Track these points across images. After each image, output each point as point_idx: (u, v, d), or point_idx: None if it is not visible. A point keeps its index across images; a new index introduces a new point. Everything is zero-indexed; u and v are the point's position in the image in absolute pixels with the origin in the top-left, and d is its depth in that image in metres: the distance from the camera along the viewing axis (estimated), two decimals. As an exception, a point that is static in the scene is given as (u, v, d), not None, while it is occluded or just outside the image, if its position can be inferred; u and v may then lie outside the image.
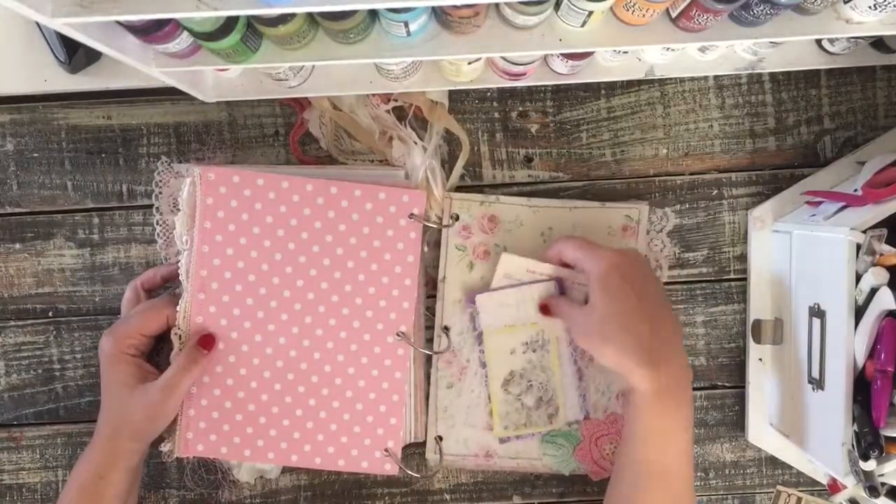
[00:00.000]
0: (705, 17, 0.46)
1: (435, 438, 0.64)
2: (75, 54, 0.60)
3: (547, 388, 0.63)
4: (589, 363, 0.63)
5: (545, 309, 0.62)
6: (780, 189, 0.64)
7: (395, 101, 0.63)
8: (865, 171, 0.56)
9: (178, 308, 0.60)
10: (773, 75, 0.64)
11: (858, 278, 0.51)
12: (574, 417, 0.63)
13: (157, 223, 0.63)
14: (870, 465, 0.50)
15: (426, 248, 0.64)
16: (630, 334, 0.52)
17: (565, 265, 0.61)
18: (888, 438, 0.50)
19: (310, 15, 0.46)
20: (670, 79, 0.64)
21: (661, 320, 0.53)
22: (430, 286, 0.65)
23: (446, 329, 0.63)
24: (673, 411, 0.52)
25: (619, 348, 0.52)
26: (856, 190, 0.55)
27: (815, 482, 0.65)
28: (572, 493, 0.66)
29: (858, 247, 0.51)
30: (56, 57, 0.60)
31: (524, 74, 0.58)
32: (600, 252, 0.55)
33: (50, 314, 0.65)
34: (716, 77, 0.65)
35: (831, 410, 0.52)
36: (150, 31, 0.44)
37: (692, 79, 0.65)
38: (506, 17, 0.47)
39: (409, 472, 0.63)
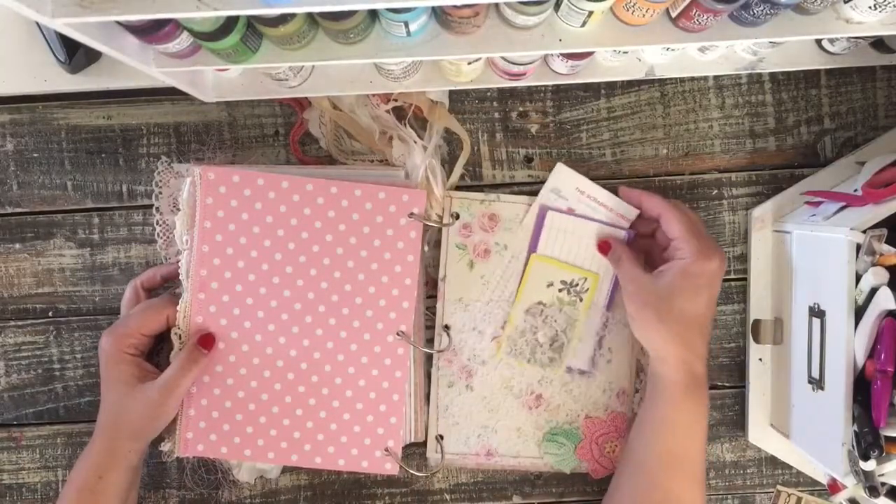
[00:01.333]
0: (705, 17, 0.46)
1: (436, 437, 0.64)
2: (75, 54, 0.60)
3: (562, 334, 0.63)
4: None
5: (605, 247, 0.61)
6: (780, 189, 0.64)
7: (395, 101, 0.63)
8: (865, 171, 0.56)
9: (178, 308, 0.60)
10: (773, 75, 0.64)
11: (858, 278, 0.51)
12: (575, 365, 0.63)
13: (157, 223, 0.63)
14: (870, 465, 0.50)
15: (426, 248, 0.64)
16: (685, 330, 0.55)
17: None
18: (888, 438, 0.50)
19: (310, 15, 0.46)
20: (670, 79, 0.64)
21: (705, 326, 0.56)
22: (431, 286, 0.65)
23: (447, 328, 0.63)
24: (698, 405, 0.55)
25: (670, 337, 0.55)
26: (856, 190, 0.55)
27: (815, 482, 0.65)
28: (572, 493, 0.66)
29: (858, 247, 0.51)
30: (56, 57, 0.60)
31: (524, 74, 0.58)
32: (703, 244, 0.55)
33: (50, 314, 0.65)
34: (716, 77, 0.65)
35: (831, 410, 0.52)
36: (150, 31, 0.44)
37: (692, 79, 0.65)
38: (506, 17, 0.47)
39: (410, 471, 0.64)
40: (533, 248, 0.63)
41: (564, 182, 0.63)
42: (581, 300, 0.63)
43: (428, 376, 0.64)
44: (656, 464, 0.56)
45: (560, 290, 0.63)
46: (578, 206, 0.63)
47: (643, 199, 0.60)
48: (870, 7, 0.46)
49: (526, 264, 0.63)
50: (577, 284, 0.63)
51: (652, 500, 0.56)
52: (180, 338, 0.60)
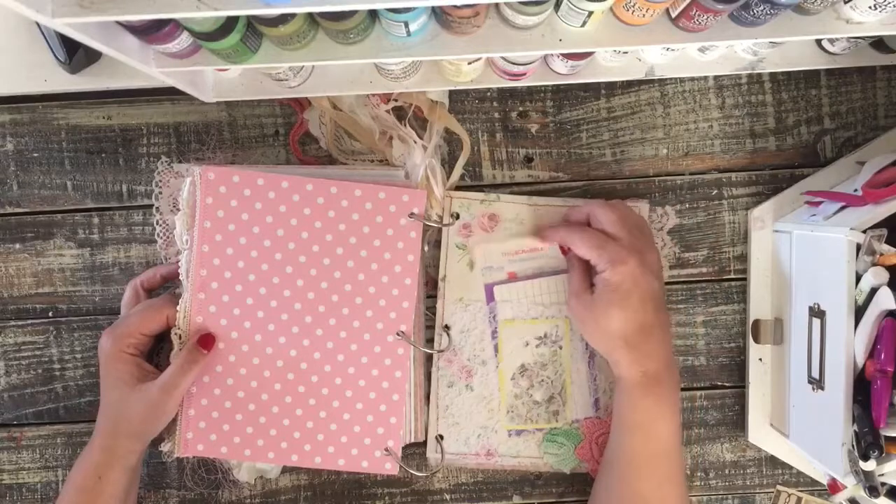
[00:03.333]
0: (705, 17, 0.46)
1: (436, 437, 0.64)
2: (75, 54, 0.60)
3: (555, 385, 0.63)
4: (590, 362, 0.63)
5: (564, 251, 0.63)
6: (780, 189, 0.64)
7: (395, 100, 0.63)
8: (865, 171, 0.56)
9: (177, 308, 0.60)
10: (773, 75, 0.64)
11: (858, 278, 0.51)
12: (583, 415, 0.63)
13: (157, 223, 0.63)
14: (870, 465, 0.50)
15: (426, 248, 0.64)
16: (629, 335, 0.55)
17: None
18: (888, 438, 0.50)
19: (310, 15, 0.46)
20: (670, 79, 0.64)
21: (655, 322, 0.56)
22: (431, 285, 0.65)
23: (447, 328, 0.63)
24: (659, 403, 0.56)
25: (612, 342, 0.56)
26: (856, 190, 0.55)
27: (815, 482, 0.65)
28: (572, 493, 0.66)
29: (858, 247, 0.51)
30: (56, 57, 0.60)
31: (524, 74, 0.58)
32: (619, 256, 0.55)
33: (50, 314, 0.65)
34: (716, 77, 0.65)
35: (831, 410, 0.52)
36: (150, 32, 0.44)
37: (692, 79, 0.65)
38: (506, 17, 0.47)
39: (410, 471, 0.64)
40: (493, 320, 0.63)
41: (488, 257, 0.63)
42: (561, 348, 0.63)
43: (428, 376, 0.64)
44: (623, 464, 0.57)
45: (538, 346, 0.63)
46: (515, 267, 0.63)
47: (552, 236, 0.61)
48: (870, 7, 0.46)
49: (494, 338, 0.63)
50: (551, 334, 0.63)
51: (621, 499, 0.56)
52: (180, 338, 0.60)
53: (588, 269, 0.59)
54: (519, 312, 0.63)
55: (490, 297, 0.63)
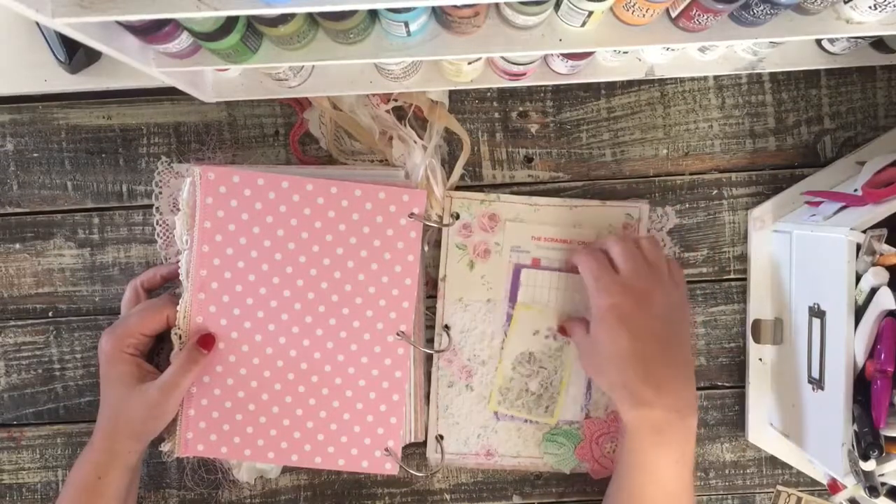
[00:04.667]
0: (705, 17, 0.46)
1: (436, 437, 0.64)
2: (75, 54, 0.60)
3: (553, 381, 0.63)
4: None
5: (563, 330, 0.63)
6: (780, 189, 0.64)
7: (395, 100, 0.63)
8: (865, 171, 0.56)
9: (177, 308, 0.60)
10: (773, 75, 0.64)
11: (858, 278, 0.51)
12: (572, 418, 0.63)
13: (157, 223, 0.63)
14: (870, 465, 0.50)
15: (426, 248, 0.64)
16: (620, 374, 0.53)
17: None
18: (888, 438, 0.50)
19: (310, 15, 0.46)
20: (670, 79, 0.64)
21: (660, 365, 0.53)
22: (431, 286, 0.65)
23: (447, 328, 0.63)
24: (665, 449, 0.53)
25: (610, 384, 0.55)
26: (856, 190, 0.55)
27: (815, 482, 0.65)
28: (572, 493, 0.66)
29: (858, 247, 0.51)
30: (56, 57, 0.60)
31: (524, 74, 0.58)
32: (608, 289, 0.54)
33: (50, 314, 0.65)
34: (716, 77, 0.65)
35: (831, 410, 0.52)
36: (150, 32, 0.44)
37: (692, 79, 0.65)
38: (506, 17, 0.47)
39: (410, 471, 0.64)
40: (512, 299, 0.63)
41: (518, 236, 0.63)
42: (568, 344, 0.63)
43: (428, 376, 0.64)
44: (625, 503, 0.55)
45: (546, 337, 0.63)
46: (540, 253, 0.63)
47: (570, 259, 0.62)
48: (870, 7, 0.46)
49: (510, 318, 0.63)
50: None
51: None
52: (180, 338, 0.60)
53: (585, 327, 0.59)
54: (538, 300, 0.63)
55: (516, 277, 0.63)
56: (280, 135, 0.65)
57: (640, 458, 0.53)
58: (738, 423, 0.66)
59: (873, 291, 0.50)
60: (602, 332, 0.54)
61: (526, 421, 0.64)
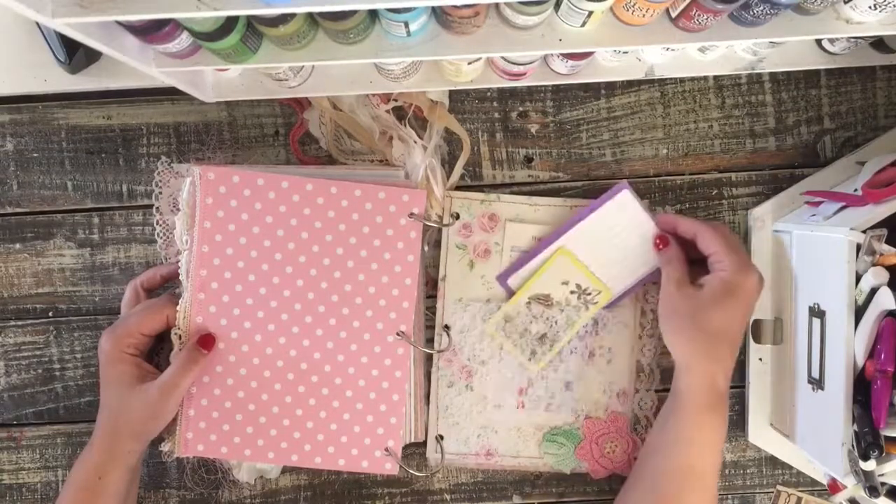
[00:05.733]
0: (705, 17, 0.46)
1: (436, 437, 0.64)
2: (75, 54, 0.60)
3: (555, 334, 0.63)
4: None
5: (662, 242, 0.60)
6: (780, 189, 0.64)
7: (395, 100, 0.63)
8: (865, 171, 0.56)
9: (177, 308, 0.60)
10: (773, 75, 0.64)
11: (858, 278, 0.51)
12: (554, 376, 0.63)
13: (157, 223, 0.63)
14: (870, 465, 0.50)
15: (426, 248, 0.64)
16: (715, 343, 0.55)
17: (666, 241, 0.60)
18: (888, 438, 0.50)
19: (310, 15, 0.46)
20: (670, 79, 0.64)
21: (735, 343, 0.56)
22: (431, 286, 0.65)
23: (447, 328, 0.63)
24: (719, 421, 0.55)
25: (698, 347, 0.55)
26: (856, 190, 0.55)
27: (815, 482, 0.65)
28: (572, 493, 0.66)
29: (858, 247, 0.51)
30: (56, 57, 0.60)
31: (524, 74, 0.58)
32: (742, 258, 0.56)
33: (50, 314, 0.65)
34: (716, 77, 0.65)
35: (831, 410, 0.52)
36: (150, 32, 0.44)
37: (692, 79, 0.65)
38: (506, 17, 0.47)
39: (410, 471, 0.64)
40: (577, 220, 0.61)
41: (517, 237, 0.63)
42: (587, 309, 0.63)
43: (428, 376, 0.64)
44: (673, 479, 0.55)
45: (572, 292, 0.63)
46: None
47: (678, 223, 0.60)
48: (870, 7, 0.46)
49: (550, 256, 0.62)
50: (590, 293, 0.63)
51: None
52: (180, 338, 0.60)
53: (688, 267, 0.58)
54: (582, 253, 0.62)
55: (616, 191, 0.61)
56: (280, 135, 0.65)
57: (696, 432, 0.55)
58: (738, 423, 0.66)
59: (873, 291, 0.50)
60: (723, 301, 0.55)
61: (514, 344, 0.63)
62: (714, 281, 0.55)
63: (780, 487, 0.66)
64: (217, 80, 0.59)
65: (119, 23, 0.44)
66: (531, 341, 0.63)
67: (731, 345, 0.56)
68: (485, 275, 0.63)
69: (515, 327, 0.63)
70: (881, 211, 0.51)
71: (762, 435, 0.64)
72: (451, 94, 0.64)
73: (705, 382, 0.55)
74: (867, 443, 0.49)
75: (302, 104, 0.64)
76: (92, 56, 0.61)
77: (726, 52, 0.59)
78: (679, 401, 0.56)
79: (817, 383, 0.55)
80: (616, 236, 0.62)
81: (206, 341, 0.59)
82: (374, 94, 0.62)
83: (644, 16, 0.46)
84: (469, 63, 0.55)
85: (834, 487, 0.60)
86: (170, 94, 0.64)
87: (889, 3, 0.45)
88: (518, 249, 0.63)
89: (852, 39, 0.57)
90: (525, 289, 0.63)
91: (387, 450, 0.62)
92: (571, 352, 0.63)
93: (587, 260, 0.62)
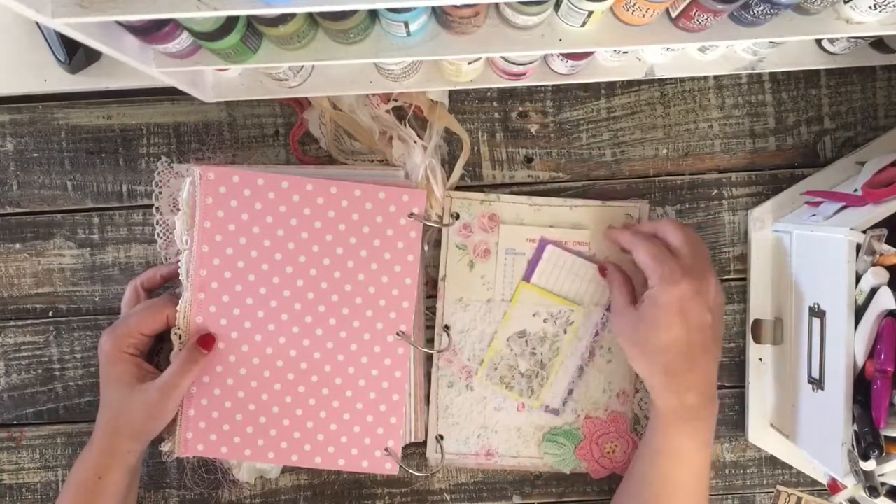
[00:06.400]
0: (705, 17, 0.46)
1: (436, 437, 0.64)
2: (75, 54, 0.60)
3: (543, 364, 0.63)
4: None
5: (602, 270, 0.62)
6: (780, 189, 0.64)
7: (395, 100, 0.63)
8: (865, 171, 0.56)
9: (177, 308, 0.60)
10: (773, 75, 0.64)
11: (858, 278, 0.51)
12: (551, 404, 0.63)
13: (157, 223, 0.63)
14: (870, 465, 0.50)
15: (426, 248, 0.64)
16: (665, 360, 0.54)
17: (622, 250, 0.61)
18: (888, 438, 0.50)
19: (310, 15, 0.46)
20: (670, 79, 0.64)
21: (701, 353, 0.54)
22: (431, 286, 0.65)
23: (447, 328, 0.63)
24: (693, 433, 0.54)
25: (650, 367, 0.55)
26: (856, 190, 0.55)
27: (815, 482, 0.65)
28: (572, 493, 0.66)
29: (858, 247, 0.51)
30: (56, 57, 0.60)
31: (524, 74, 0.58)
32: (673, 276, 0.53)
33: (50, 314, 0.65)
34: (716, 77, 0.65)
35: (831, 410, 0.52)
36: (150, 32, 0.44)
37: (692, 79, 0.65)
38: (506, 17, 0.47)
39: (410, 471, 0.64)
40: (528, 276, 0.63)
41: (512, 239, 0.63)
42: (565, 332, 0.63)
43: (428, 376, 0.64)
44: (652, 487, 0.56)
45: (545, 321, 0.63)
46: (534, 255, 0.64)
47: (617, 237, 0.60)
48: (870, 7, 0.46)
49: (514, 294, 0.63)
50: (562, 316, 0.63)
51: None
52: (180, 338, 0.60)
53: (631, 288, 0.58)
54: (551, 281, 0.63)
55: (540, 251, 0.63)
56: (280, 135, 0.65)
57: (672, 443, 0.55)
58: (738, 423, 0.66)
59: (873, 291, 0.50)
60: (659, 316, 0.53)
61: (507, 387, 0.63)
62: (647, 299, 0.54)
63: (780, 487, 0.66)
64: (217, 80, 0.59)
65: (119, 23, 0.44)
66: (523, 379, 0.63)
67: (686, 358, 0.53)
68: (485, 275, 0.64)
69: (504, 372, 0.63)
70: (881, 211, 0.51)
71: (762, 435, 0.64)
72: (451, 94, 0.64)
73: (672, 402, 0.54)
74: (867, 443, 0.49)
75: (302, 104, 0.64)
76: (92, 56, 0.61)
77: (726, 52, 0.59)
78: (654, 416, 0.56)
79: (817, 383, 0.55)
80: (568, 272, 0.63)
81: (206, 341, 0.59)
82: (374, 94, 0.62)
83: (644, 16, 0.46)
84: (469, 63, 0.55)
85: (834, 487, 0.60)
86: (170, 94, 0.64)
87: (889, 3, 0.45)
88: (512, 252, 0.63)
89: (852, 39, 0.57)
90: (501, 332, 0.63)
91: (387, 450, 0.62)
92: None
93: (551, 286, 0.63)
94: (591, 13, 0.45)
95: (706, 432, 0.55)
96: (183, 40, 0.47)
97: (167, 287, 0.63)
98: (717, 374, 0.55)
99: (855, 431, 0.50)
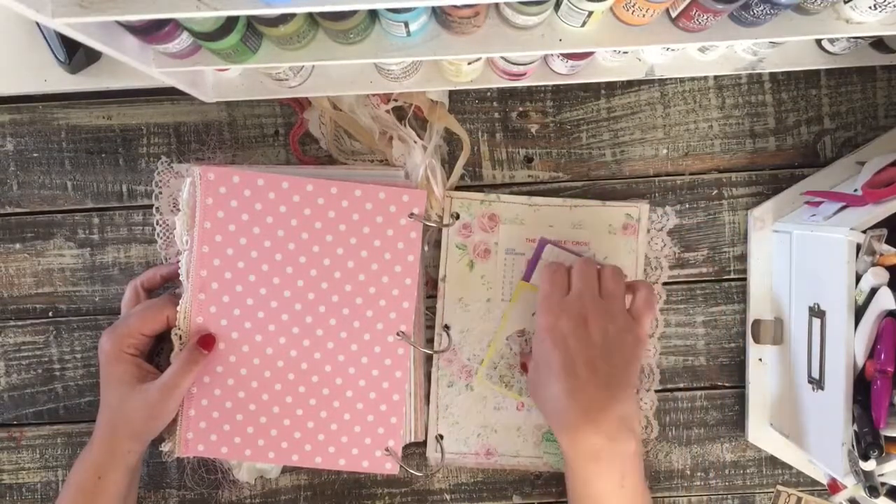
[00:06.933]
0: (705, 17, 0.46)
1: (436, 437, 0.64)
2: (75, 54, 0.60)
3: None
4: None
5: (524, 367, 0.62)
6: (780, 189, 0.64)
7: (395, 100, 0.63)
8: (865, 172, 0.56)
9: (178, 308, 0.60)
10: (773, 75, 0.64)
11: (858, 278, 0.51)
12: None
13: (157, 223, 0.63)
14: (870, 465, 0.50)
15: (426, 248, 0.64)
16: (552, 398, 0.53)
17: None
18: (888, 438, 0.50)
19: (310, 15, 0.46)
20: (670, 79, 0.64)
21: (592, 385, 0.52)
22: (431, 286, 0.65)
23: (447, 328, 0.63)
24: (606, 474, 0.52)
25: (545, 409, 0.55)
26: (856, 190, 0.55)
27: (815, 482, 0.65)
28: (572, 493, 0.66)
29: (858, 247, 0.51)
30: (56, 57, 0.60)
31: (524, 74, 0.58)
32: (547, 307, 0.55)
33: (50, 314, 0.65)
34: (716, 77, 0.65)
35: (831, 410, 0.52)
36: (150, 32, 0.44)
37: (692, 79, 0.65)
38: (506, 17, 0.47)
39: (410, 471, 0.64)
40: (527, 276, 0.63)
41: (512, 239, 0.64)
42: None
43: (428, 376, 0.64)
44: None
45: None
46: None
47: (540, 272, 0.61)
48: (870, 7, 0.46)
49: (513, 294, 0.63)
50: None
51: None
52: (180, 338, 0.60)
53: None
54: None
55: (539, 249, 0.63)
56: (280, 135, 0.65)
57: (583, 488, 0.53)
58: (738, 423, 0.66)
59: (873, 291, 0.50)
60: (539, 351, 0.55)
61: (506, 386, 0.63)
62: (532, 349, 0.56)
63: (780, 487, 0.66)
64: (217, 80, 0.59)
65: (119, 23, 0.44)
66: (523, 378, 0.63)
67: (569, 397, 0.51)
68: (485, 275, 0.63)
69: (504, 371, 0.63)
70: (881, 211, 0.51)
71: (762, 435, 0.64)
72: (451, 94, 0.64)
73: (574, 445, 0.51)
74: (867, 443, 0.49)
75: (302, 104, 0.64)
76: (92, 56, 0.61)
77: (726, 52, 0.59)
78: (565, 462, 0.54)
79: (817, 383, 0.55)
80: (572, 257, 0.63)
81: (207, 341, 0.59)
82: (374, 94, 0.62)
83: (644, 16, 0.46)
84: (469, 63, 0.55)
85: (834, 487, 0.60)
86: (170, 94, 0.64)
87: (889, 3, 0.45)
88: (512, 252, 0.63)
89: (852, 39, 0.57)
90: (500, 331, 0.63)
91: (387, 449, 0.62)
92: None
93: None
94: (591, 13, 0.45)
95: (619, 473, 0.52)
96: (183, 40, 0.47)
97: (167, 287, 0.63)
98: (630, 411, 0.52)
99: (855, 431, 0.50)
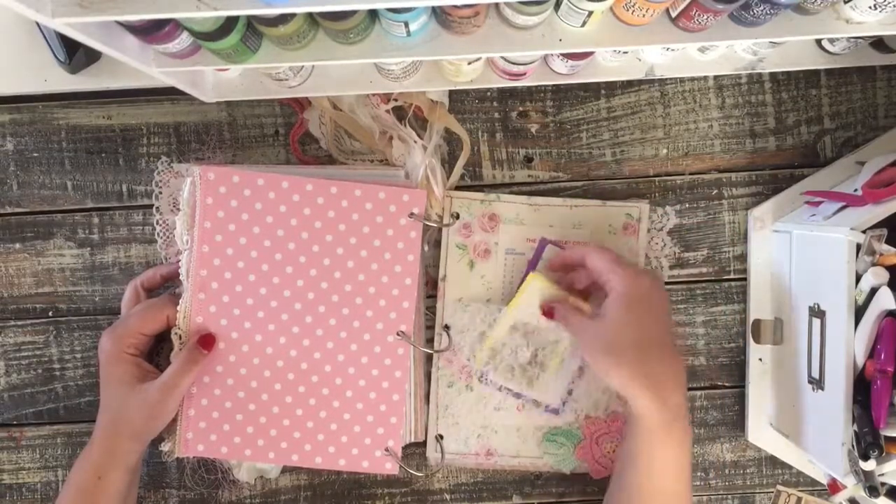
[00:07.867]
0: (705, 17, 0.46)
1: (436, 437, 0.64)
2: (75, 54, 0.60)
3: (544, 361, 0.63)
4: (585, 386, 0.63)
5: (550, 313, 0.60)
6: (780, 189, 0.64)
7: (395, 100, 0.63)
8: (865, 172, 0.56)
9: (178, 308, 0.60)
10: (773, 75, 0.64)
11: (858, 278, 0.51)
12: (549, 403, 0.63)
13: (157, 223, 0.63)
14: (870, 465, 0.50)
15: (426, 248, 0.64)
16: (642, 360, 0.52)
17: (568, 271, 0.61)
18: (888, 438, 0.50)
19: (310, 15, 0.46)
20: (670, 79, 0.64)
21: (669, 349, 0.54)
22: (431, 286, 0.65)
23: (447, 328, 0.63)
24: (676, 443, 0.53)
25: (629, 373, 0.52)
26: (856, 190, 0.55)
27: (815, 482, 0.65)
28: (572, 493, 0.66)
29: (858, 247, 0.51)
30: (56, 57, 0.60)
31: (524, 74, 0.58)
32: (629, 269, 0.54)
33: (50, 314, 0.65)
34: (716, 77, 0.65)
35: (831, 410, 0.52)
36: (150, 31, 0.44)
37: (692, 79, 0.65)
38: (506, 17, 0.47)
39: (410, 471, 0.64)
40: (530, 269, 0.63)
41: (512, 239, 0.64)
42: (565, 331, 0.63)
43: (428, 376, 0.64)
44: (630, 497, 0.54)
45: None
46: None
47: (565, 257, 0.61)
48: (870, 7, 0.46)
49: (522, 281, 0.63)
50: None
51: None
52: (180, 338, 0.60)
53: (586, 309, 0.59)
54: (551, 278, 0.62)
55: (540, 250, 0.63)
56: (280, 135, 0.65)
57: (657, 454, 0.53)
58: (738, 423, 0.66)
59: (873, 291, 0.50)
60: (626, 316, 0.53)
61: (502, 387, 0.63)
62: (611, 302, 0.54)
63: (780, 487, 0.66)
64: (217, 80, 0.59)
65: (119, 23, 0.44)
66: (523, 372, 0.63)
67: (660, 356, 0.52)
68: (485, 275, 0.63)
69: (504, 359, 0.63)
70: (881, 211, 0.51)
71: (762, 435, 0.64)
72: (451, 94, 0.64)
73: (654, 404, 0.51)
74: (867, 443, 0.49)
75: (302, 104, 0.64)
76: (92, 56, 0.61)
77: (726, 52, 0.59)
78: (632, 424, 0.54)
79: (817, 383, 0.55)
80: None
81: (207, 341, 0.59)
82: (374, 94, 0.62)
83: (644, 16, 0.46)
84: (469, 63, 0.55)
85: (834, 487, 0.60)
86: (170, 94, 0.64)
87: (889, 3, 0.45)
88: (512, 252, 0.63)
89: (852, 39, 0.57)
90: (507, 319, 0.62)
91: (387, 449, 0.62)
92: (572, 353, 0.63)
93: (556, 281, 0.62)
94: (591, 13, 0.45)
95: (687, 438, 0.53)
96: (183, 40, 0.47)
97: (167, 287, 0.63)
98: (684, 375, 0.54)
99: (855, 431, 0.50)
